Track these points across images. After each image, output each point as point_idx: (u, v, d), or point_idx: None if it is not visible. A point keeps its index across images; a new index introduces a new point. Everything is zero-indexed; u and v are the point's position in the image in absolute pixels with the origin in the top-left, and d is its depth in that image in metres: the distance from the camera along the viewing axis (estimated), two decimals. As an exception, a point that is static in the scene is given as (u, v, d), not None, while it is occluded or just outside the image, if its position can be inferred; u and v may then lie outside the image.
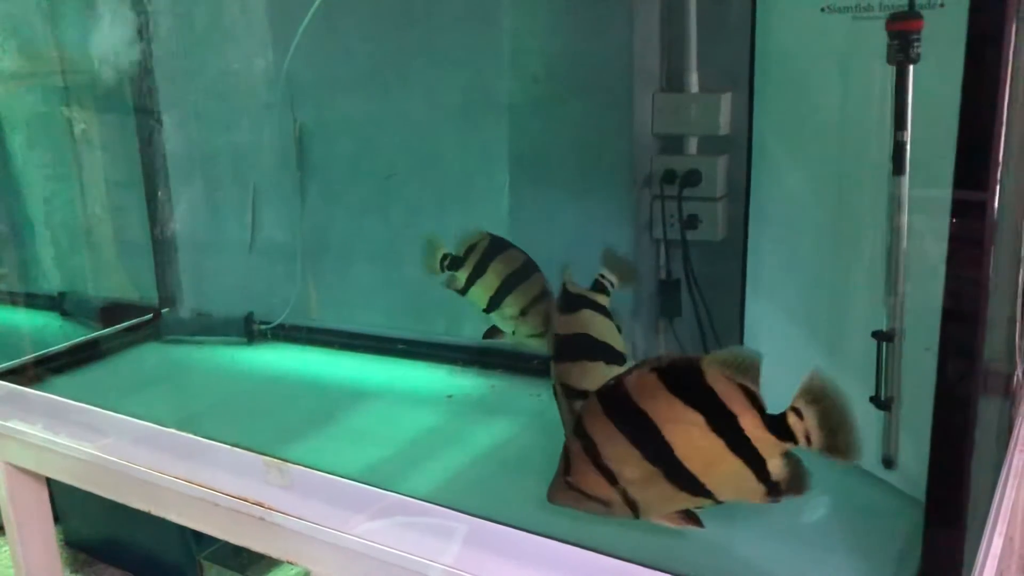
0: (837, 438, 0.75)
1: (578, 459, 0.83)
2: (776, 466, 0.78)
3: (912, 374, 0.89)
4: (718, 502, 0.82)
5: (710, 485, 0.80)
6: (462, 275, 1.15)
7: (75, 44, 1.61)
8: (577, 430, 0.84)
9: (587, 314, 1.00)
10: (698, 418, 0.78)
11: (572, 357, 0.98)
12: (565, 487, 0.84)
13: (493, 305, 1.13)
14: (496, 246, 1.14)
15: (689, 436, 0.79)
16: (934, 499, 0.77)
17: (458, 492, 1.00)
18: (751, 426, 0.77)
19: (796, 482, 0.78)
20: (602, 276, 1.03)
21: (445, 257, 1.16)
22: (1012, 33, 0.68)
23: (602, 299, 1.02)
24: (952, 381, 0.72)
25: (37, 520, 1.36)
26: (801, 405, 0.76)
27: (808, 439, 0.76)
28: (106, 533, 1.96)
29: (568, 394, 0.97)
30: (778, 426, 0.77)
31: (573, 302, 1.01)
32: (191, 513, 1.11)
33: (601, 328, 0.99)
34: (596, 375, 0.94)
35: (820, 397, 0.75)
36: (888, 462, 0.94)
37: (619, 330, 1.01)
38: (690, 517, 0.84)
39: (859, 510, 0.94)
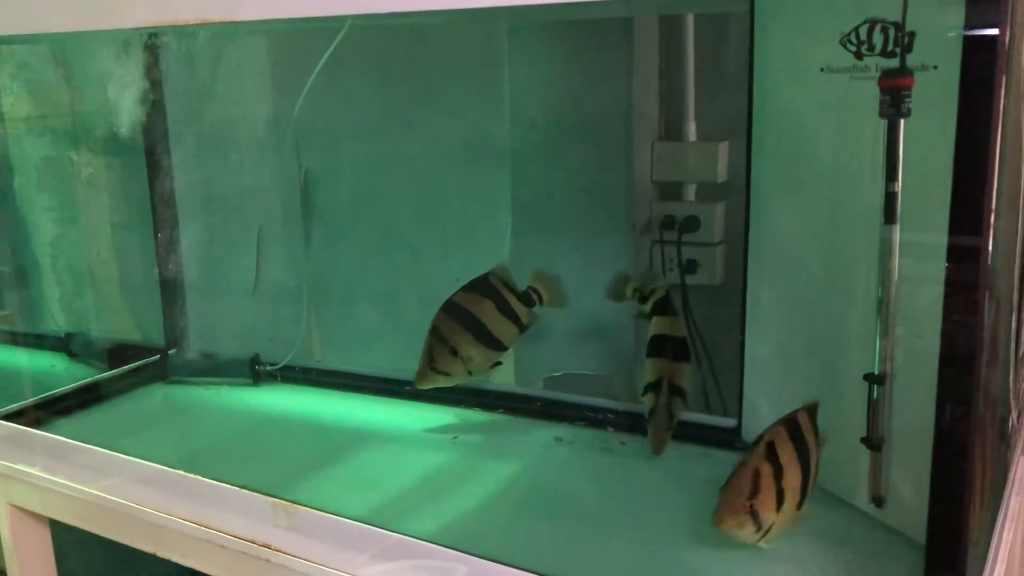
0: None
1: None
2: None
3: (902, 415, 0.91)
4: None
5: None
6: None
7: (85, 89, 1.64)
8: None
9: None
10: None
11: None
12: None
13: None
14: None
15: None
16: (934, 543, 0.78)
17: (463, 533, 1.01)
18: None
19: None
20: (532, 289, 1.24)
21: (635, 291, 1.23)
22: (1002, 88, 0.71)
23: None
24: (950, 426, 0.74)
25: (40, 562, 1.36)
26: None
27: None
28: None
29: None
30: None
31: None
32: (196, 555, 1.11)
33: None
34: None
35: None
36: (878, 501, 0.96)
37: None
38: None
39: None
